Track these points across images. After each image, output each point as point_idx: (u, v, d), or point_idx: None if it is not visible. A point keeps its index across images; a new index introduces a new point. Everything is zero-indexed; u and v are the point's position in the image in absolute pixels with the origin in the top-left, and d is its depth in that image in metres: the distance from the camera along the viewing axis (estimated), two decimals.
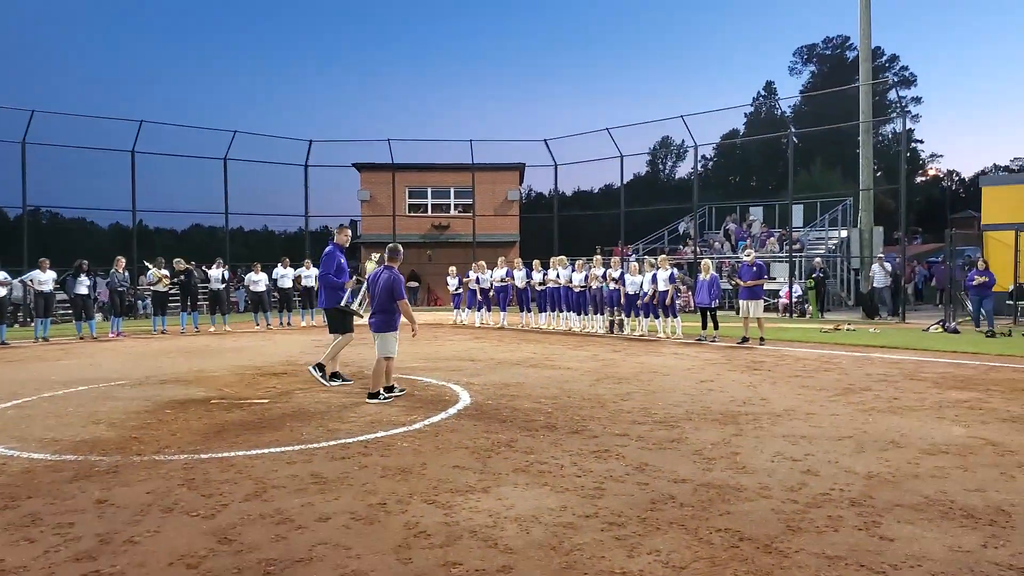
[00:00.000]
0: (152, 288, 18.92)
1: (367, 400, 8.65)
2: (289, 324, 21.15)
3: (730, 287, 26.18)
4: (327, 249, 10.03)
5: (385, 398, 8.66)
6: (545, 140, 30.75)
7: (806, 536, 4.19)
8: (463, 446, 6.43)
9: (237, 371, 11.39)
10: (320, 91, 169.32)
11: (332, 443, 6.57)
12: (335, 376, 9.98)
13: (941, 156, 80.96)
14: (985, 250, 20.52)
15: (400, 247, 9.12)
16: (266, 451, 6.31)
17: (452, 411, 7.98)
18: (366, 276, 9.46)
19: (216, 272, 19.99)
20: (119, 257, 18.37)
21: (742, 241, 29.79)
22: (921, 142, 67.98)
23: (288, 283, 21.38)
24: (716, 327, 15.38)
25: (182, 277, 19.13)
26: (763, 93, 69.80)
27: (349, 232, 10.59)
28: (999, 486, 5.14)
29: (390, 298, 8.67)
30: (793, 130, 24.39)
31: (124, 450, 6.41)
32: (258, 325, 20.44)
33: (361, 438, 6.75)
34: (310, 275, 21.08)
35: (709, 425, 7.22)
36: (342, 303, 9.86)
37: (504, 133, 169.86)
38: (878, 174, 60.04)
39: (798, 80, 69.74)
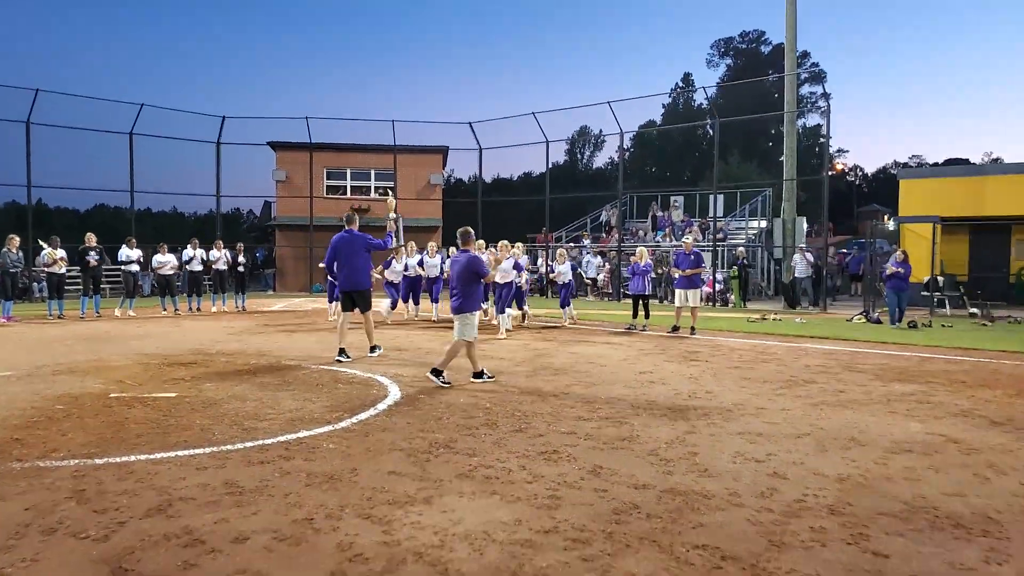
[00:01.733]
0: (47, 269, 17.46)
1: (429, 376, 8.65)
2: (199, 309, 19.96)
3: (654, 276, 26.19)
4: (345, 237, 10.74)
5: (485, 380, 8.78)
6: (470, 123, 30.13)
7: (794, 553, 3.76)
8: (397, 447, 5.81)
9: (141, 360, 10.41)
10: (234, 66, 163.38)
11: (248, 444, 5.85)
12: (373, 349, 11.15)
13: (847, 151, 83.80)
14: (902, 242, 20.94)
15: (471, 229, 9.23)
16: (172, 455, 5.55)
17: (382, 407, 7.33)
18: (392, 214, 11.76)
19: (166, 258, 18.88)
20: (11, 236, 16.84)
21: (661, 230, 29.84)
22: (829, 137, 70.16)
23: (223, 266, 20.13)
24: (647, 316, 15.09)
25: (89, 257, 17.69)
26: (681, 84, 70.56)
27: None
28: (977, 489, 4.84)
29: (471, 278, 8.79)
30: (716, 118, 24.36)
31: (2, 455, 5.54)
32: (164, 310, 19.13)
33: (281, 438, 6.05)
34: (219, 258, 19.94)
35: (658, 421, 6.79)
36: (391, 244, 11.40)
37: (428, 116, 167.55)
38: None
39: (715, 73, 70.89)
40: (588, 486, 4.87)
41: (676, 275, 14.74)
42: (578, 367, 10.02)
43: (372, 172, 33.21)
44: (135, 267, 18.54)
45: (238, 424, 6.54)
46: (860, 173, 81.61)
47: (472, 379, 8.82)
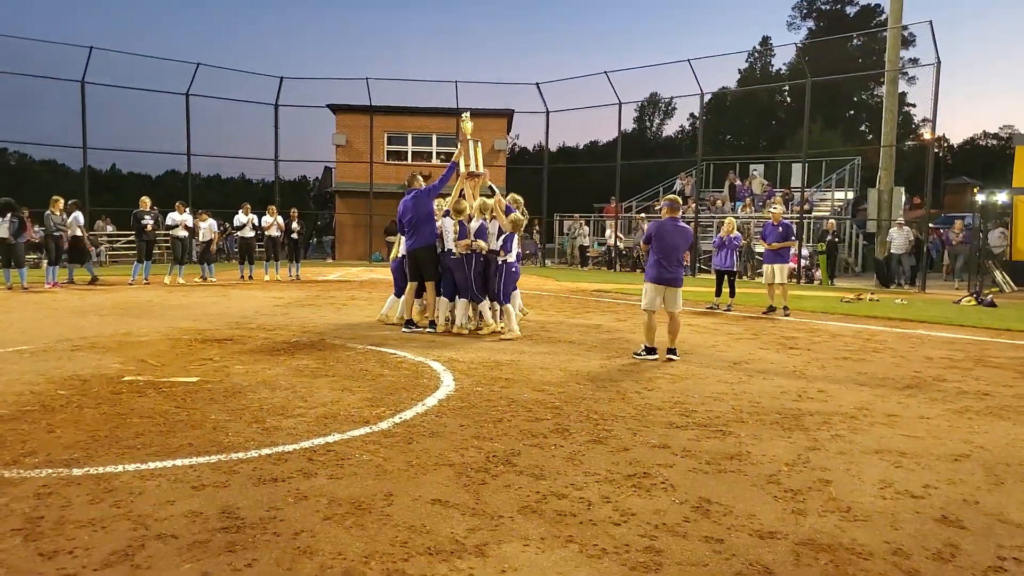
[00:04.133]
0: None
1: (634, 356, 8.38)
2: (251, 277, 19.19)
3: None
4: (408, 201, 10.03)
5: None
6: (537, 84, 28.76)
7: None
8: (446, 461, 4.63)
9: (172, 335, 9.48)
10: (293, 25, 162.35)
11: (265, 452, 4.74)
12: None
13: (930, 121, 79.19)
14: (1014, 214, 18.88)
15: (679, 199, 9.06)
16: (169, 464, 4.48)
17: (431, 402, 6.16)
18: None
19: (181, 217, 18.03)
20: (55, 197, 16.21)
21: (740, 200, 28.04)
22: (913, 106, 65.96)
23: (276, 232, 19.30)
24: (733, 294, 13.63)
25: (146, 221, 17.06)
26: (759, 48, 67.41)
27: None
28: None
29: (686, 250, 8.68)
30: (809, 77, 22.38)
31: None
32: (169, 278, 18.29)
33: (306, 444, 4.93)
34: (272, 223, 19.08)
35: (770, 431, 5.47)
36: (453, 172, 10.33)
37: (492, 77, 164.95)
38: (869, 137, 58.53)
39: (796, 35, 67.28)
40: (696, 532, 3.62)
41: (762, 248, 13.20)
42: (660, 355, 8.70)
43: (433, 137, 32.07)
44: (183, 232, 17.76)
45: (259, 422, 5.45)
46: (945, 144, 77.21)
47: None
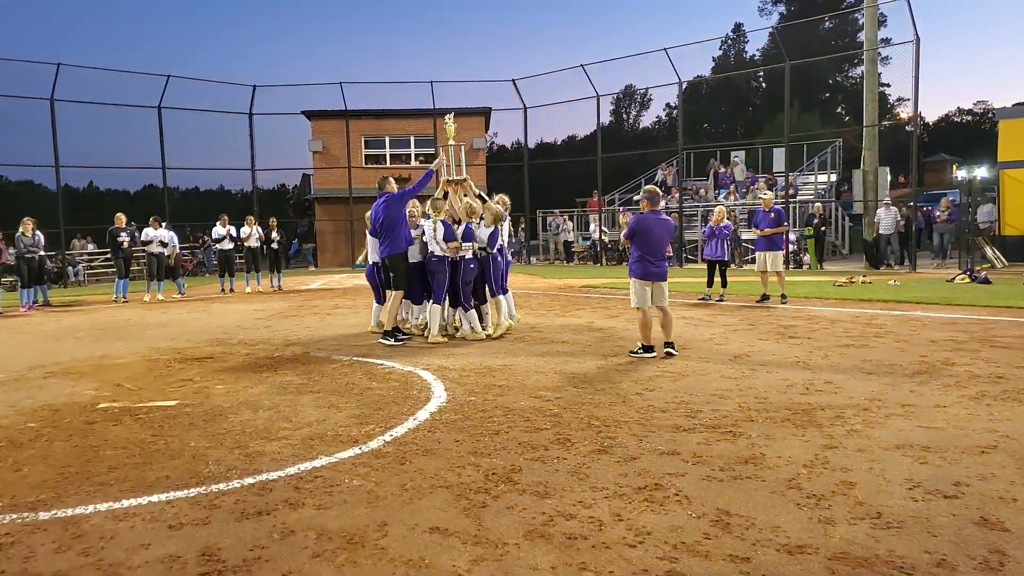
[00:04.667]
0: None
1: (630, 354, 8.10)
2: (232, 290, 18.78)
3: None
4: (380, 203, 9.47)
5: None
6: (513, 80, 28.38)
7: None
8: (442, 482, 4.32)
9: (150, 356, 9.11)
10: (265, 31, 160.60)
11: (248, 481, 4.41)
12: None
13: (907, 100, 79.53)
14: (1001, 189, 18.76)
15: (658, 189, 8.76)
16: (145, 501, 4.14)
17: (423, 415, 5.84)
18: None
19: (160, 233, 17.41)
20: (25, 219, 15.74)
21: (724, 188, 27.86)
22: (888, 86, 66.02)
23: (255, 243, 18.85)
24: (724, 284, 13.39)
25: (121, 238, 16.64)
26: (732, 35, 67.33)
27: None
28: None
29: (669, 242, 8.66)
30: (788, 60, 22.18)
31: None
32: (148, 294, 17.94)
33: (292, 470, 4.60)
34: (251, 234, 18.68)
35: (782, 429, 5.19)
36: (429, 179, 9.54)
37: (468, 75, 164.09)
38: (846, 118, 58.47)
39: (768, 20, 67.23)
40: (718, 550, 3.33)
41: (753, 236, 12.96)
42: (657, 351, 8.42)
43: (412, 139, 31.69)
44: (158, 248, 17.26)
45: (241, 447, 5.12)
46: (921, 122, 77.37)
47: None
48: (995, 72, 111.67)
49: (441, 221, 9.39)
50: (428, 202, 10.00)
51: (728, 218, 24.44)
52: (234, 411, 6.14)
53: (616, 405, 5.98)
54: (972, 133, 63.06)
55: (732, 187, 26.87)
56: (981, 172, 22.29)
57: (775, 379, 6.80)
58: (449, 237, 9.27)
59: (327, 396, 6.58)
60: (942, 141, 67.52)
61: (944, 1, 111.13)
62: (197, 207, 50.43)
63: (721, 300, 13.12)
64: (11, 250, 16.37)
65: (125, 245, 16.96)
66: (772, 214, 12.71)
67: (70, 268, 24.53)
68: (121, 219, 17.13)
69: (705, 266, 13.88)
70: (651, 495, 4.02)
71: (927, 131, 75.43)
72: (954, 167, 57.61)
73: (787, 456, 4.61)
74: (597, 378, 7.07)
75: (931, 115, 75.71)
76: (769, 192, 13.56)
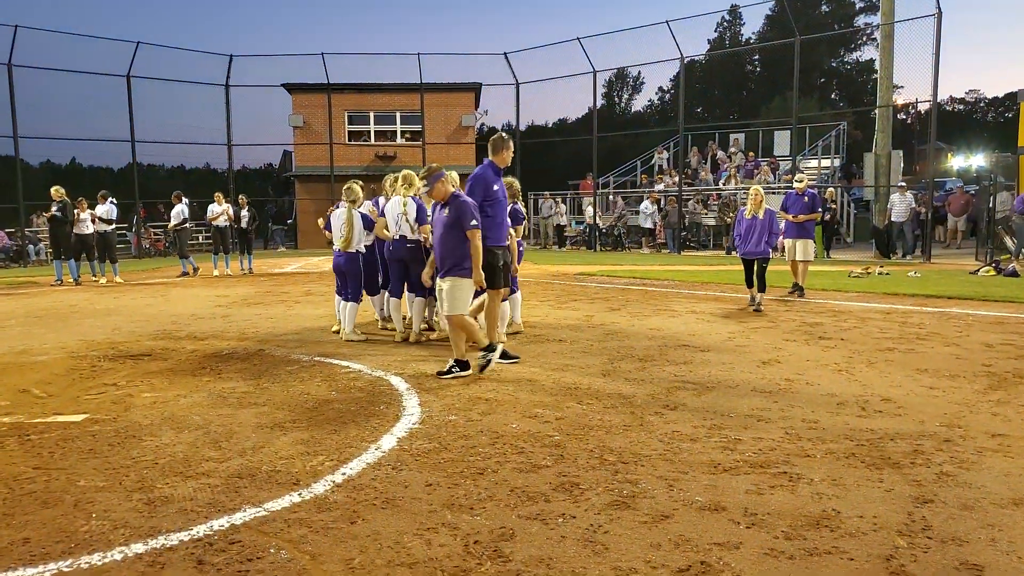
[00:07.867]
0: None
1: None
2: (195, 270, 17.44)
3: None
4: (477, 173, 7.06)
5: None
6: (505, 53, 27.00)
7: None
8: (405, 558, 3.08)
9: (78, 352, 7.81)
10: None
11: (137, 549, 3.18)
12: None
13: (901, 87, 78.36)
14: (1020, 176, 17.65)
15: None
16: None
17: (388, 442, 4.61)
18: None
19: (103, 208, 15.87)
20: None
21: (725, 172, 26.66)
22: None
23: (223, 223, 17.40)
24: (763, 287, 10.40)
25: (56, 215, 15.16)
26: (728, 17, 65.94)
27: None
28: None
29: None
30: (798, 36, 20.92)
31: None
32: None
33: (201, 530, 3.36)
34: (220, 213, 17.28)
35: (849, 470, 3.99)
36: None
37: (458, 48, 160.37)
38: (840, 105, 57.35)
39: (764, 3, 65.89)
40: None
41: (782, 221, 11.40)
42: (670, 354, 7.21)
43: (398, 114, 30.21)
44: (106, 227, 15.73)
45: (145, 488, 3.88)
46: (913, 110, 76.26)
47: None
48: (985, 63, 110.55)
49: (412, 198, 7.97)
50: (387, 178, 8.62)
51: (727, 204, 23.38)
52: (153, 431, 4.89)
53: (632, 430, 4.77)
54: (964, 122, 62.37)
55: (733, 171, 25.63)
56: (977, 161, 21.29)
57: (819, 395, 5.61)
58: (422, 219, 7.85)
59: (273, 411, 5.34)
60: (937, 130, 66.54)
61: None
62: (182, 185, 48.54)
63: (759, 309, 10.32)
64: None
65: (54, 215, 15.14)
66: (806, 198, 11.38)
67: (31, 247, 23.08)
68: (58, 192, 15.42)
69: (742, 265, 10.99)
70: None
71: (919, 119, 74.60)
72: (949, 155, 56.85)
73: (871, 516, 3.41)
74: (604, 390, 5.85)
75: (922, 104, 74.63)
76: (803, 175, 12.15)
